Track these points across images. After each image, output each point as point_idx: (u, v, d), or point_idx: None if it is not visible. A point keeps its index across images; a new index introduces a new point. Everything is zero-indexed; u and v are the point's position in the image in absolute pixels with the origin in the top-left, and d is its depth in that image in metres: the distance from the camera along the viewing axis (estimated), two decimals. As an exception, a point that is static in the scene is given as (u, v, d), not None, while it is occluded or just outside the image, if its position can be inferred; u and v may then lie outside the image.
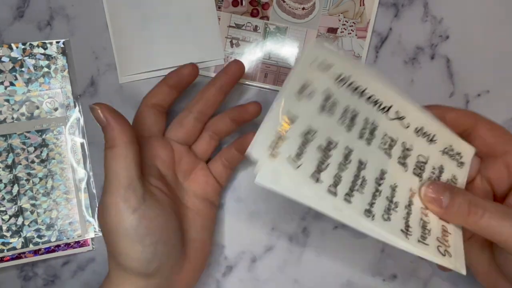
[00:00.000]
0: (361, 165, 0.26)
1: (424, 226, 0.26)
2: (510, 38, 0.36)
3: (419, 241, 0.26)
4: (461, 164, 0.29)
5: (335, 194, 0.24)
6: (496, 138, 0.29)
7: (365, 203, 0.25)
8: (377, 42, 0.36)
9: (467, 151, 0.29)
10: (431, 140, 0.28)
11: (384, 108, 0.27)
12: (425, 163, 0.28)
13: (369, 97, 0.27)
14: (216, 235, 0.35)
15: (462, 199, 0.26)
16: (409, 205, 0.27)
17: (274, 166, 0.23)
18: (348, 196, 0.24)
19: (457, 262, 0.26)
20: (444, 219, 0.27)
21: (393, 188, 0.26)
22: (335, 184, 0.24)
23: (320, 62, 0.26)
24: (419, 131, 0.28)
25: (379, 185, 0.26)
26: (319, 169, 0.24)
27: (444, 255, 0.26)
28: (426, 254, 0.26)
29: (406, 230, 0.26)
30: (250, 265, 0.36)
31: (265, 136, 0.23)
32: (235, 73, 0.32)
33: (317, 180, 0.24)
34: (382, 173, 0.26)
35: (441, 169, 0.29)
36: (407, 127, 0.28)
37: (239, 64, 0.32)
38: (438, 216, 0.27)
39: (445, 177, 0.29)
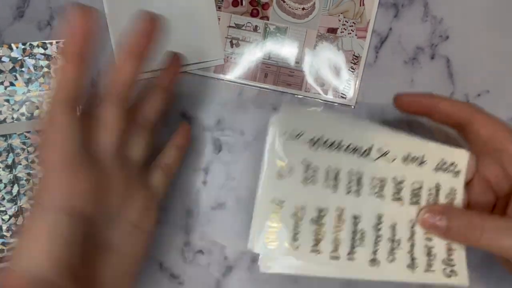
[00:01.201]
0: (356, 219, 0.27)
1: (429, 253, 0.28)
2: (510, 38, 0.36)
3: (425, 270, 0.27)
4: (456, 173, 0.29)
5: (337, 258, 0.26)
6: (492, 134, 0.27)
7: (368, 254, 0.26)
8: (377, 42, 0.36)
9: (461, 157, 0.29)
10: (422, 163, 0.28)
11: (365, 151, 0.27)
12: (420, 188, 0.28)
13: (347, 147, 0.27)
14: (216, 235, 0.36)
15: (459, 221, 0.26)
16: (412, 236, 0.28)
17: (275, 255, 0.25)
18: (351, 254, 0.26)
19: (461, 278, 0.28)
20: (446, 240, 0.28)
21: (393, 227, 0.27)
22: (336, 248, 0.26)
23: (290, 132, 0.26)
24: (406, 159, 0.28)
25: (379, 230, 0.27)
26: (317, 241, 0.26)
27: (450, 276, 0.27)
28: (433, 280, 0.27)
29: (412, 264, 0.27)
30: (250, 265, 0.36)
31: (260, 229, 0.25)
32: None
33: (318, 252, 0.25)
34: (379, 218, 0.27)
35: (437, 188, 0.29)
36: (394, 160, 0.28)
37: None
38: (440, 238, 0.28)
39: (443, 194, 0.29)
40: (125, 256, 0.26)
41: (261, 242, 0.25)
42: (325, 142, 0.27)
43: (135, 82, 0.26)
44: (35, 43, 0.35)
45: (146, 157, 0.28)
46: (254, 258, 0.36)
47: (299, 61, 0.36)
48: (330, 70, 0.36)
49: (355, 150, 0.27)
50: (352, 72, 0.36)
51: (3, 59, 0.34)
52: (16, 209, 0.34)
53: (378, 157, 0.27)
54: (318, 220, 0.26)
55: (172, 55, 0.30)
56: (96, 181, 0.24)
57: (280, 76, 0.36)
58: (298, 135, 0.26)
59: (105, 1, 0.35)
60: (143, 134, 0.28)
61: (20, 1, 0.35)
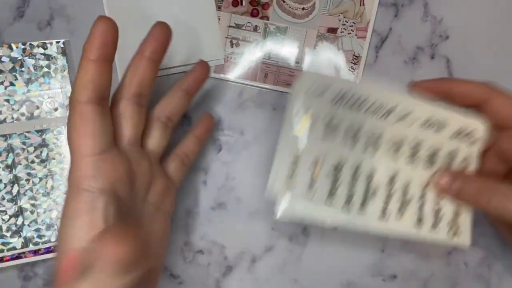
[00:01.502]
0: (369, 177, 0.28)
1: (436, 214, 0.29)
2: (510, 38, 0.36)
3: (431, 229, 0.29)
4: (472, 143, 0.30)
5: (349, 211, 0.27)
6: (510, 113, 0.29)
7: (378, 209, 0.28)
8: (377, 42, 0.36)
9: (478, 127, 0.30)
10: (439, 129, 0.29)
11: (385, 113, 0.28)
12: (435, 153, 0.29)
13: (368, 108, 0.28)
14: (216, 235, 0.36)
15: (471, 184, 0.28)
16: (422, 197, 0.29)
17: (292, 201, 0.27)
18: (362, 208, 0.28)
19: (464, 238, 0.29)
20: (457, 202, 0.29)
21: (406, 186, 0.29)
22: (348, 201, 0.27)
23: (314, 89, 0.28)
24: (425, 123, 0.29)
25: (391, 189, 0.28)
26: (331, 193, 0.27)
27: (453, 236, 0.29)
28: (436, 239, 0.29)
29: (418, 223, 0.28)
30: (250, 265, 0.36)
31: (279, 175, 0.27)
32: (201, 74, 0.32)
33: (331, 203, 0.27)
34: (393, 177, 0.28)
35: (452, 155, 0.30)
36: (413, 123, 0.29)
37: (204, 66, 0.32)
38: (451, 199, 0.29)
39: (457, 160, 0.30)
40: (153, 235, 0.29)
41: (278, 188, 0.26)
42: (348, 100, 0.28)
43: (150, 82, 0.28)
44: (35, 43, 0.35)
45: (163, 148, 0.31)
46: (254, 258, 0.36)
47: (299, 61, 0.36)
48: (330, 70, 0.36)
49: (375, 111, 0.28)
50: (352, 72, 0.36)
51: (3, 59, 0.34)
52: (16, 209, 0.34)
53: (398, 120, 0.29)
54: (335, 174, 0.27)
55: (201, 62, 0.32)
56: (127, 168, 0.27)
57: (280, 76, 0.36)
58: (321, 92, 0.28)
59: (105, 1, 0.35)
60: (161, 128, 0.30)
61: (20, 1, 0.35)
